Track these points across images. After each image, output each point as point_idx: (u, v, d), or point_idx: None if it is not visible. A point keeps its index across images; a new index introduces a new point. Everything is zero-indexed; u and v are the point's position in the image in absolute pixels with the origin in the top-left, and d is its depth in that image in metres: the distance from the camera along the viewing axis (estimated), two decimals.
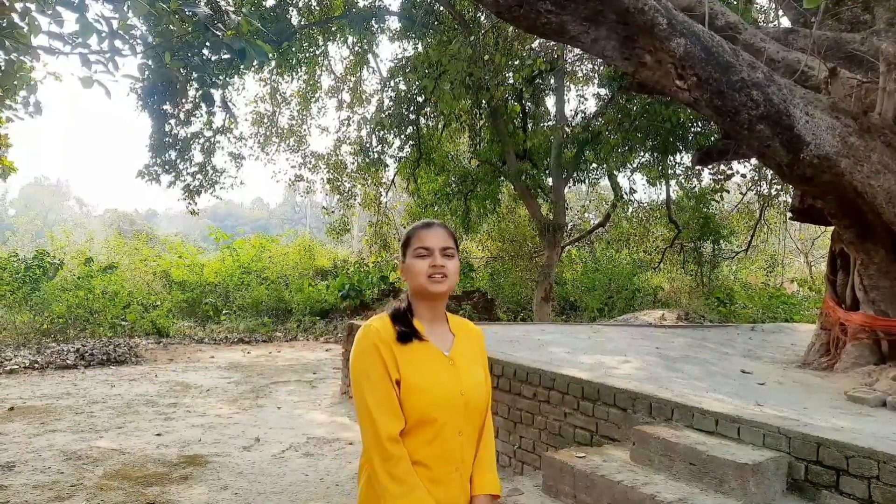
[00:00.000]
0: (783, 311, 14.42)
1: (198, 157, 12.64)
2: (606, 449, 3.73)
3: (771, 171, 10.07)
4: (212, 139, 12.82)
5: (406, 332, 1.64)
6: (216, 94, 10.18)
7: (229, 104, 11.30)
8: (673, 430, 3.43)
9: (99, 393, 7.46)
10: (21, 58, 4.93)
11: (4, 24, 4.45)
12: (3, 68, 5.02)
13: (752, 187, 14.43)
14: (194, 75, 8.69)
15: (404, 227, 18.85)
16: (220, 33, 4.63)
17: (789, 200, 12.77)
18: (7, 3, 4.16)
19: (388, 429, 1.54)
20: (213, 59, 9.49)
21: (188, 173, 12.47)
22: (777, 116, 4.75)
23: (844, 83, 5.51)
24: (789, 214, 7.14)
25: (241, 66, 11.70)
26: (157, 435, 5.76)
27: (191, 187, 12.56)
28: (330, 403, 7.22)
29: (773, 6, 9.39)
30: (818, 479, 2.94)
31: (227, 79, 12.02)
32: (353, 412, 6.70)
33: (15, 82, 5.38)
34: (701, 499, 2.92)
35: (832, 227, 6.17)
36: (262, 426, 6.18)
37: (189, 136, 12.32)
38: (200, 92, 9.42)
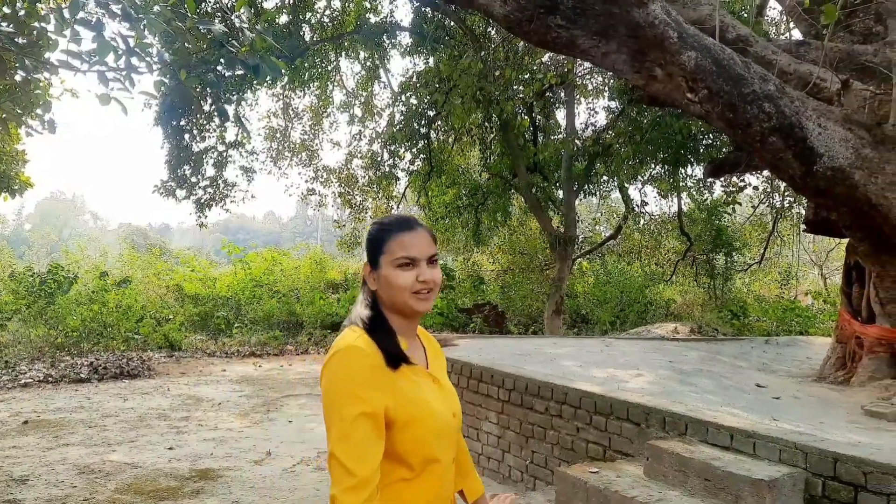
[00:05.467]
0: (798, 323, 14.25)
1: (210, 171, 12.77)
2: (620, 464, 3.70)
3: (784, 183, 10.01)
4: (224, 153, 12.96)
5: (397, 355, 1.37)
6: (230, 109, 10.30)
7: (243, 119, 11.44)
8: (687, 445, 3.40)
9: (112, 406, 7.50)
10: (37, 75, 5.02)
11: (24, 42, 4.54)
12: (21, 85, 5.11)
13: (765, 199, 14.35)
14: (209, 91, 8.80)
15: None
16: (234, 50, 4.70)
17: (802, 212, 12.69)
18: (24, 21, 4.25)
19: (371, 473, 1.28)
20: (227, 75, 9.61)
21: (200, 187, 12.60)
22: (789, 129, 4.74)
23: (857, 95, 5.49)
24: (803, 227, 7.09)
25: (255, 82, 11.83)
26: (169, 449, 5.77)
27: (201, 201, 12.67)
28: None
29: (784, 19, 9.39)
30: (836, 496, 2.89)
31: (241, 94, 12.16)
32: None
33: (32, 99, 5.47)
34: None
35: (847, 240, 6.12)
36: (274, 440, 6.17)
37: (202, 150, 12.46)
38: (215, 107, 9.52)
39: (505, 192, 14.49)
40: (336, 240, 17.35)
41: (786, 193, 13.15)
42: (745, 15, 9.58)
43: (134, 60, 4.51)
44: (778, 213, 14.02)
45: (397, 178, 14.83)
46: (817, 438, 3.20)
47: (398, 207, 17.15)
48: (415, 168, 14.29)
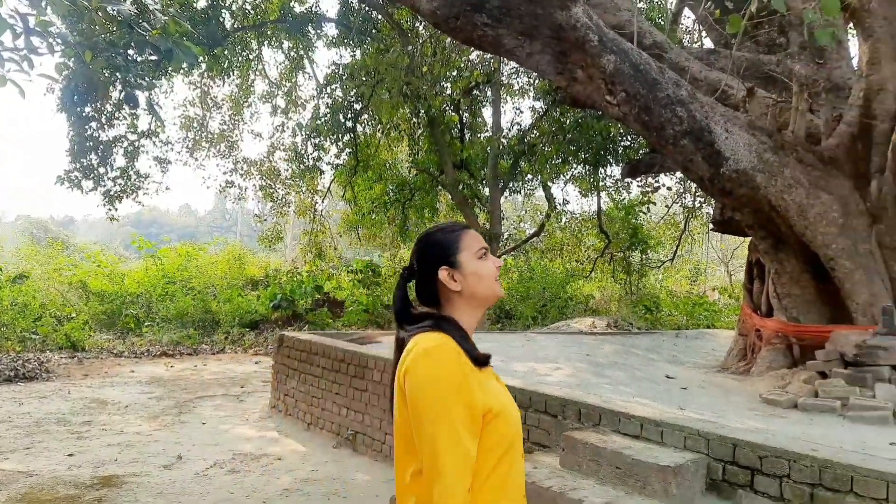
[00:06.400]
0: (706, 317, 15.09)
1: (120, 161, 12.06)
2: (537, 455, 3.77)
3: (694, 184, 10.55)
4: (136, 143, 12.27)
5: (483, 356, 1.39)
6: (141, 96, 9.75)
7: (155, 107, 10.84)
8: (600, 436, 3.50)
9: (5, 411, 6.94)
10: None
11: None
12: None
13: (677, 199, 15.09)
14: (118, 76, 8.30)
15: (341, 236, 18.67)
16: (145, 33, 4.44)
17: (711, 212, 13.44)
18: None
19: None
20: (138, 59, 9.09)
21: (109, 178, 11.86)
22: (699, 132, 4.98)
23: (761, 102, 5.84)
24: (711, 226, 7.49)
25: (169, 68, 11.27)
26: (69, 455, 5.40)
27: (111, 193, 11.95)
28: (258, 418, 6.99)
29: (697, 27, 9.88)
30: (735, 479, 3.06)
31: (154, 80, 11.54)
32: (282, 426, 6.51)
33: None
34: (625, 502, 2.98)
35: (750, 238, 6.51)
36: (185, 443, 5.90)
37: (111, 139, 11.74)
38: (124, 93, 8.98)
39: (432, 188, 14.52)
40: (257, 234, 16.83)
41: (696, 194, 13.87)
42: (662, 22, 10.01)
43: (34, 40, 4.18)
44: (689, 213, 14.77)
45: (322, 172, 14.55)
46: (719, 425, 3.37)
47: (323, 202, 16.85)
48: (340, 162, 14.06)
